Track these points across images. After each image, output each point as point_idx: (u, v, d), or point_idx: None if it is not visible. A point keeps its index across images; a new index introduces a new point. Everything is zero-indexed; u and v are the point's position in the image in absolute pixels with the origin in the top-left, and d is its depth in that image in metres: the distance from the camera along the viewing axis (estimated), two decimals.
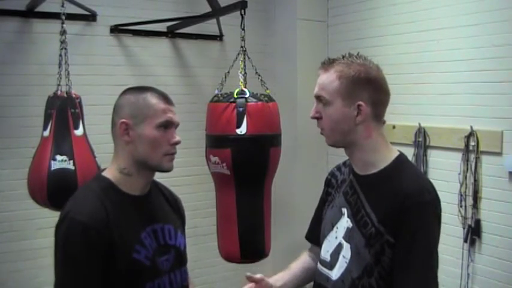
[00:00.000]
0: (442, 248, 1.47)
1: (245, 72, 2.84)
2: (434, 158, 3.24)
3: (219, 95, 2.73)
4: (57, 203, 2.28)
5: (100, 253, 1.41)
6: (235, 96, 2.63)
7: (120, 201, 1.51)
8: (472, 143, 2.98)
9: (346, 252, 1.51)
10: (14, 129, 3.24)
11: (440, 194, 1.49)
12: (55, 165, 2.50)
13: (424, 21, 3.27)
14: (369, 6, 3.69)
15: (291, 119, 3.75)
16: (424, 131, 3.26)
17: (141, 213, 1.55)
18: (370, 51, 1.79)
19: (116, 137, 1.55)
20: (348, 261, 1.50)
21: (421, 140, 3.26)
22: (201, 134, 2.85)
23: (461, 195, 3.03)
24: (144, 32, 3.67)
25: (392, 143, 1.58)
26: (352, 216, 1.51)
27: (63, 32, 2.72)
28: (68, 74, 2.70)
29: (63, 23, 2.73)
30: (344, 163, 1.68)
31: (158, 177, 1.63)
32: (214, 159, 2.64)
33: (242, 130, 2.57)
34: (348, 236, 1.51)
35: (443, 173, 3.13)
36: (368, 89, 1.47)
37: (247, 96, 2.64)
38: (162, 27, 3.71)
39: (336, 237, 1.55)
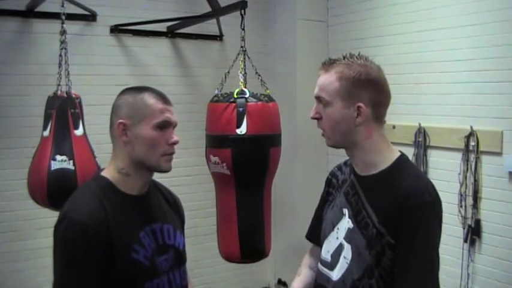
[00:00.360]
0: (442, 248, 1.46)
1: (245, 72, 2.84)
2: (434, 158, 3.24)
3: (219, 95, 2.73)
4: (57, 203, 2.27)
5: (99, 253, 1.41)
6: (235, 96, 2.63)
7: (118, 201, 1.50)
8: (472, 143, 2.98)
9: (347, 253, 1.50)
10: (14, 129, 3.25)
11: (441, 194, 1.49)
12: (55, 165, 2.50)
13: (424, 21, 3.27)
14: (369, 6, 3.69)
15: (291, 119, 3.75)
16: (424, 131, 3.26)
17: (139, 213, 1.54)
18: (370, 51, 1.79)
19: (114, 138, 1.54)
20: (348, 262, 1.49)
21: (421, 140, 3.26)
22: (200, 134, 2.85)
23: (461, 195, 3.03)
24: (144, 32, 3.67)
25: (392, 143, 1.57)
26: (353, 216, 1.51)
27: (63, 32, 2.73)
28: (68, 74, 2.70)
29: (63, 23, 2.73)
30: (345, 163, 1.68)
31: (158, 177, 1.63)
32: (214, 159, 2.64)
33: (242, 130, 2.57)
34: (349, 236, 1.51)
35: (443, 173, 3.13)
36: (368, 90, 1.47)
37: (247, 96, 2.64)
38: (162, 27, 3.71)
39: (337, 238, 1.55)
